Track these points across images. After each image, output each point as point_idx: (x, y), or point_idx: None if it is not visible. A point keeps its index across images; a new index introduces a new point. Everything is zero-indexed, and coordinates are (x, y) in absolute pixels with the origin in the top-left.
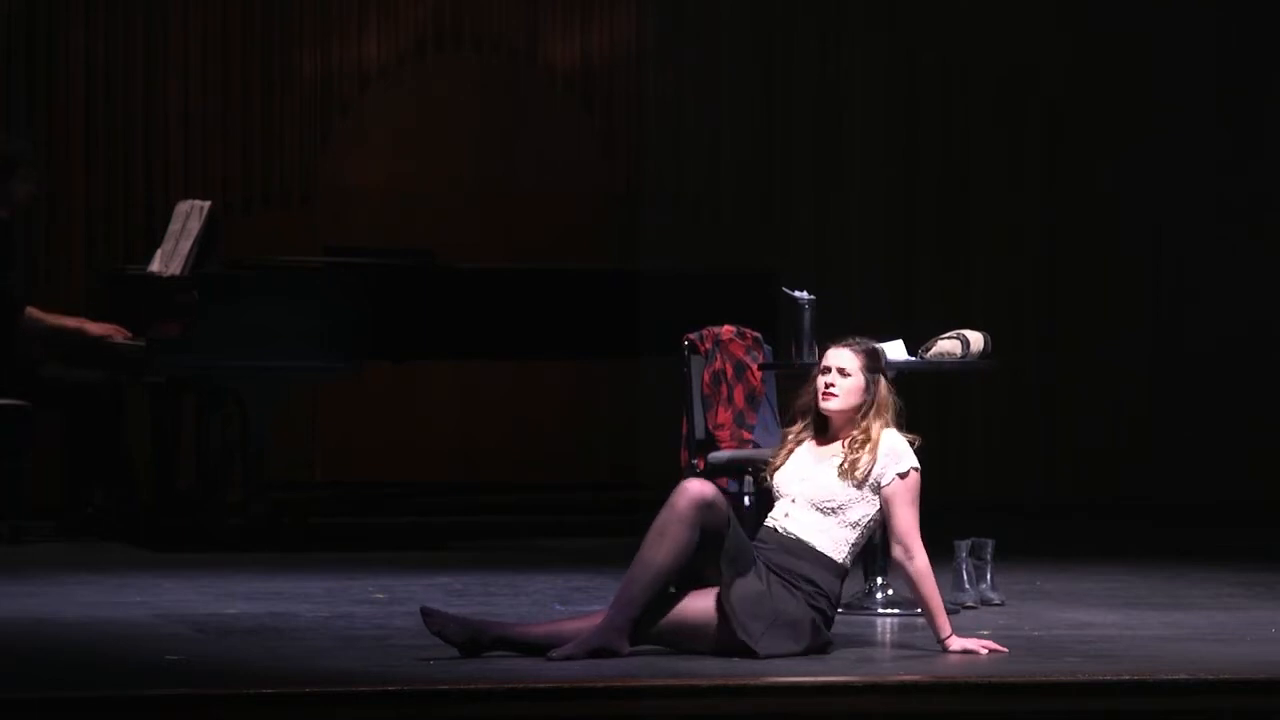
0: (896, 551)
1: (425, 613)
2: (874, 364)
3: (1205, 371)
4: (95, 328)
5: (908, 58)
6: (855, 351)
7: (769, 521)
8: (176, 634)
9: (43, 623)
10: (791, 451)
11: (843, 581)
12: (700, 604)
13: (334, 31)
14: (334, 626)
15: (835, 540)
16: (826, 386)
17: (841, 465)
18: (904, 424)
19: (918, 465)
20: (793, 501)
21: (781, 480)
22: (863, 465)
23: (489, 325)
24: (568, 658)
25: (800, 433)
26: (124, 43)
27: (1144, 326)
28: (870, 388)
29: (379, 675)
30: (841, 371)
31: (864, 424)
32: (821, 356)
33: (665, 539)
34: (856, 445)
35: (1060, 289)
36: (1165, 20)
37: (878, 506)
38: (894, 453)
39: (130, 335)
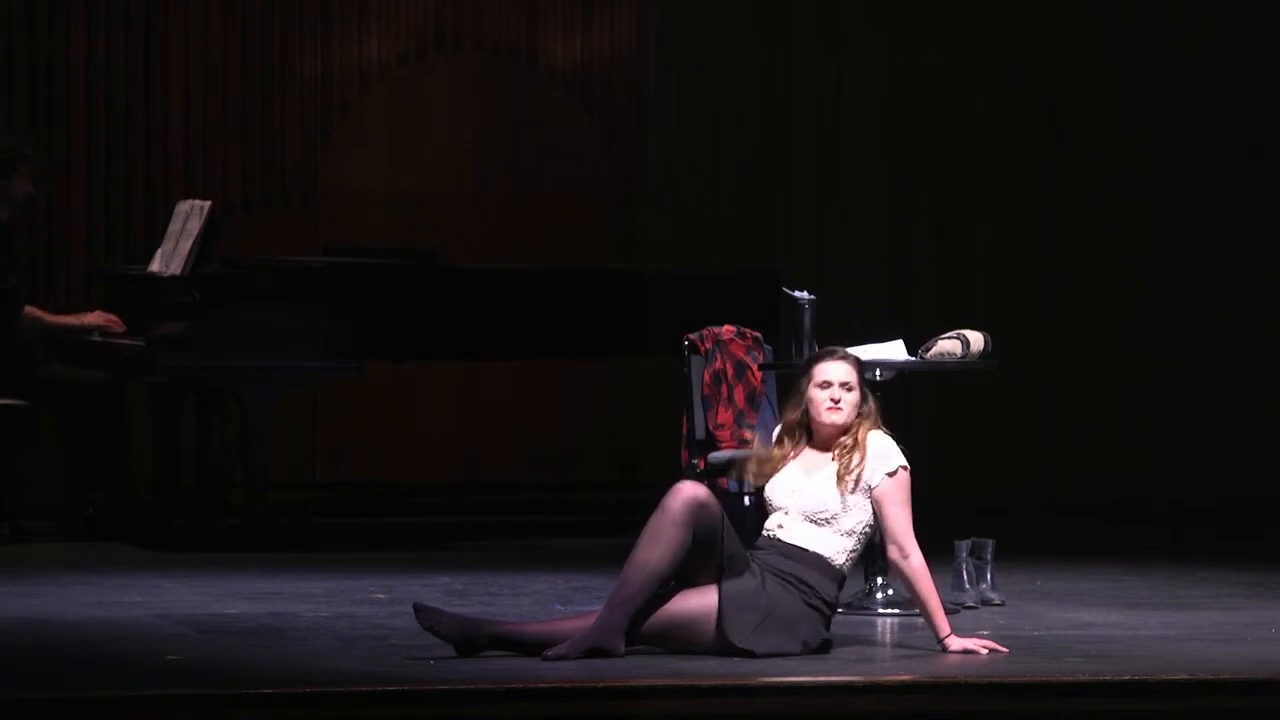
0: (892, 552)
1: (417, 609)
2: (863, 372)
3: (1205, 371)
4: (91, 317)
5: (908, 57)
6: (852, 364)
7: (765, 530)
8: (176, 634)
9: (43, 623)
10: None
11: (840, 587)
12: (695, 602)
13: (334, 31)
14: (334, 626)
15: (833, 549)
16: (833, 402)
17: (837, 473)
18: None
19: (906, 464)
20: (785, 514)
21: (773, 493)
22: (854, 470)
23: (489, 325)
24: (562, 657)
25: (789, 451)
26: (124, 43)
27: (1144, 326)
28: (865, 397)
29: (379, 675)
30: (845, 386)
31: (852, 430)
32: (810, 369)
33: (659, 540)
34: (846, 451)
35: (1060, 289)
36: (1165, 19)
37: (870, 512)
38: (882, 453)
39: (125, 326)
